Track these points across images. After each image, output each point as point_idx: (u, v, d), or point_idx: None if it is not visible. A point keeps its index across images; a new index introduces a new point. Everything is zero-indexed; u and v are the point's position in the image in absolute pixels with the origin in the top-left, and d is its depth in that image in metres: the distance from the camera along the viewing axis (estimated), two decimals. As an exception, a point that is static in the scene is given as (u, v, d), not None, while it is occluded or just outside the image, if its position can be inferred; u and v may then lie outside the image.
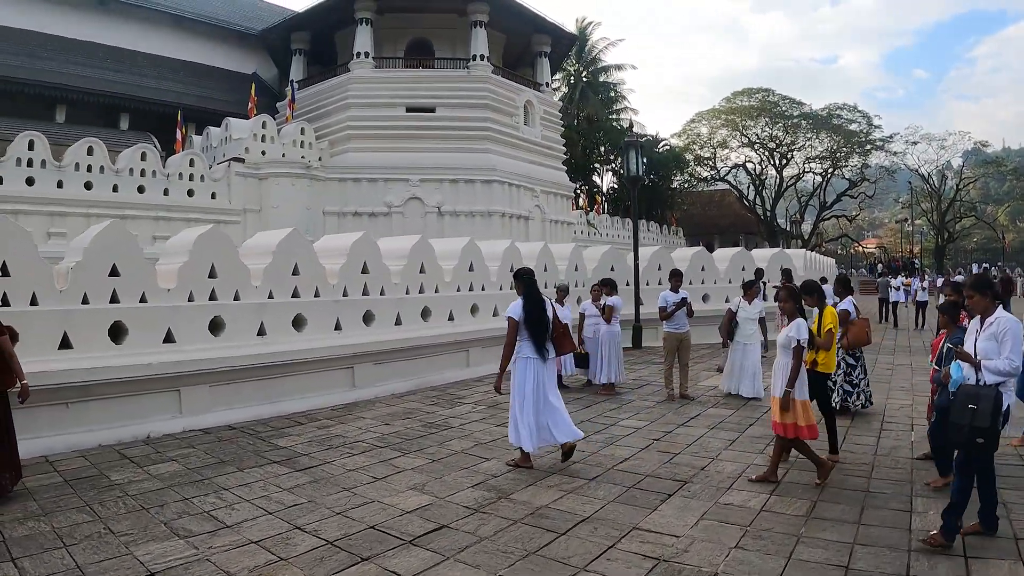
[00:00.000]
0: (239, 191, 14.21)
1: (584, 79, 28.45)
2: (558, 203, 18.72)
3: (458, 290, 7.43)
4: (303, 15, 18.33)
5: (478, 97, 16.49)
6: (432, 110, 16.34)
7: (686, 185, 32.05)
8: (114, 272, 4.65)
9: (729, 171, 33.91)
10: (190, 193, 13.56)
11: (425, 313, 6.99)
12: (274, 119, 15.56)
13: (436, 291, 7.15)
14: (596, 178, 29.48)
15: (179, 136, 14.95)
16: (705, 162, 33.06)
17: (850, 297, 4.95)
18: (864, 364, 4.91)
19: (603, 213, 25.04)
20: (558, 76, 27.80)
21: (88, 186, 12.27)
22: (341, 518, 2.95)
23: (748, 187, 34.16)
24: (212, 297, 5.20)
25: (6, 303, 4.16)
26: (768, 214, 33.31)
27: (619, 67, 29.57)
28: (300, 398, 5.56)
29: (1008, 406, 2.71)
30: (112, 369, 4.43)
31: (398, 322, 6.62)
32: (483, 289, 7.80)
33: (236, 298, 5.35)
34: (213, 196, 13.94)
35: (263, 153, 14.66)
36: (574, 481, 3.44)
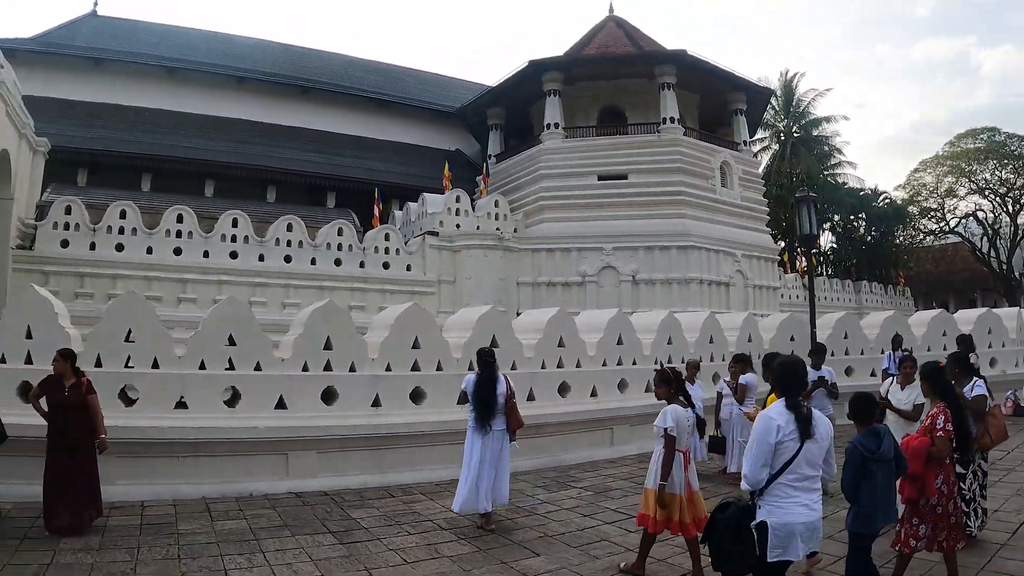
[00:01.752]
0: (434, 263, 19.95)
1: (795, 134, 33.99)
2: (762, 267, 22.92)
3: (604, 364, 9.59)
4: (494, 91, 25.27)
5: (669, 160, 21.64)
6: (624, 177, 21.68)
7: (911, 241, 35.55)
8: (231, 341, 7.24)
9: (959, 222, 36.69)
10: (385, 266, 19.57)
11: (563, 388, 9.05)
12: (474, 193, 21.75)
13: (578, 365, 9.28)
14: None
15: (376, 212, 21.23)
16: (932, 214, 36.31)
17: (979, 380, 5.12)
18: (981, 468, 4.96)
19: (821, 275, 28.91)
20: (764, 134, 33.77)
21: (288, 259, 18.45)
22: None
23: (981, 238, 36.47)
24: (327, 368, 7.57)
25: (128, 365, 6.88)
26: (1005, 267, 35.11)
27: (828, 119, 35.04)
28: (409, 470, 7.67)
29: None
30: (220, 429, 6.85)
31: (530, 397, 8.62)
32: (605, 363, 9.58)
33: (352, 369, 7.75)
34: (408, 268, 19.83)
35: (457, 226, 20.54)
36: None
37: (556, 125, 22.40)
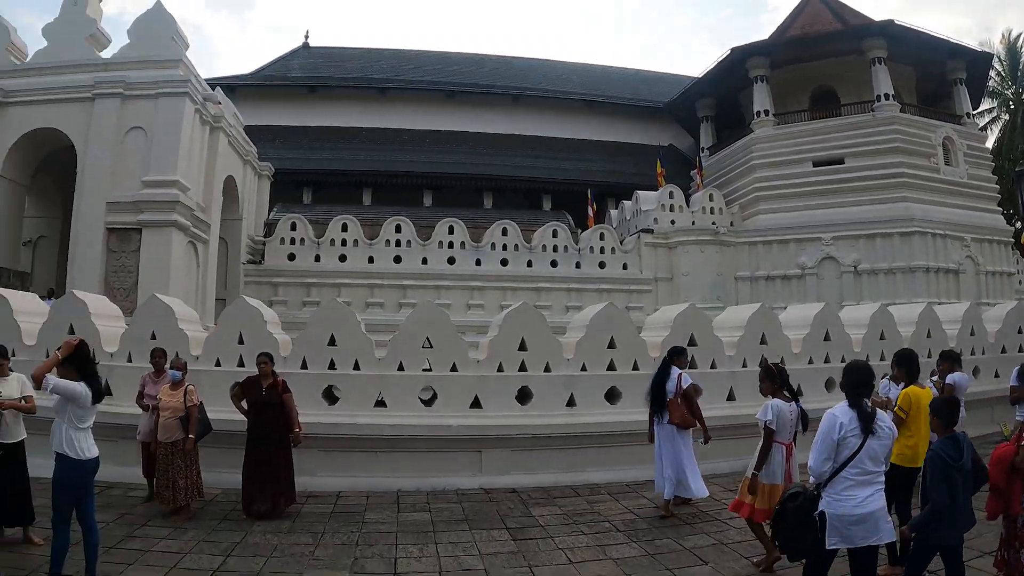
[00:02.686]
0: (649, 260, 24.67)
1: None
2: (995, 251, 25.62)
3: (810, 362, 10.32)
4: (700, 83, 29.70)
5: (886, 141, 24.89)
6: (840, 161, 25.29)
7: None
8: (426, 344, 9.01)
9: None
10: (601, 265, 24.44)
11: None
12: (689, 188, 26.36)
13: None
14: None
15: (590, 212, 25.75)
16: None
17: None
18: None
19: None
20: (991, 104, 35.46)
21: (504, 263, 23.62)
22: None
23: None
24: (522, 368, 9.04)
25: (332, 367, 8.85)
26: None
27: None
28: (601, 470, 8.84)
29: None
30: (415, 427, 8.53)
31: (730, 397, 9.67)
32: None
33: (547, 369, 9.16)
34: (624, 267, 24.46)
35: (672, 222, 25.24)
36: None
37: (765, 112, 26.35)
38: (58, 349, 5.03)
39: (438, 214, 24.79)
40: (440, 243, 22.87)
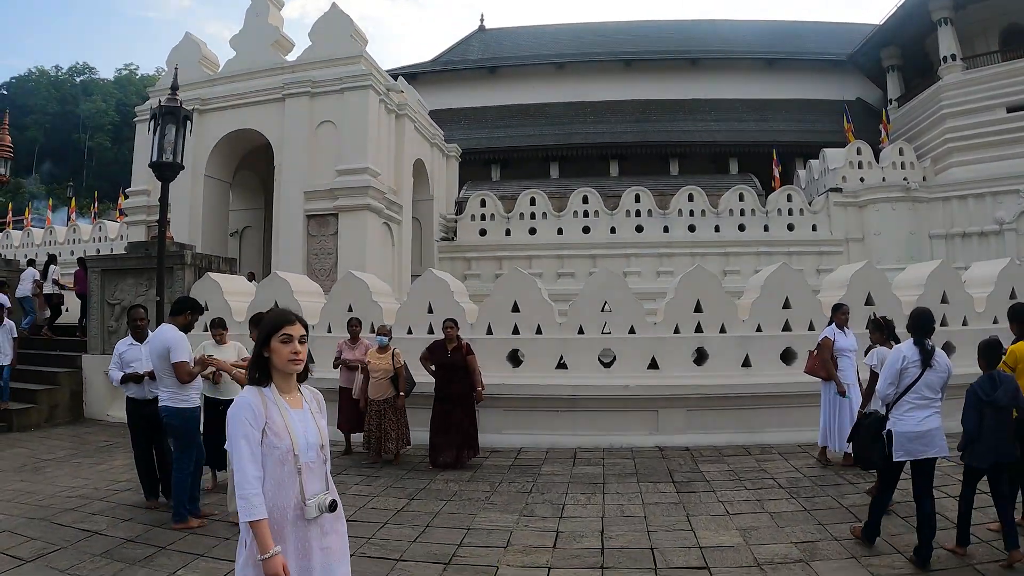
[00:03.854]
0: (839, 221, 26.89)
1: None
2: None
3: (995, 322, 10.94)
4: (883, 30, 31.46)
5: None
6: None
7: None
8: (697, 308, 10.82)
9: None
10: (790, 227, 26.79)
11: (947, 348, 9.98)
12: (878, 143, 28.13)
13: (964, 324, 11.15)
14: None
15: (775, 173, 28.98)
16: None
17: None
18: None
19: None
20: None
21: (692, 229, 26.53)
22: (616, 539, 6.13)
23: None
24: (698, 330, 10.88)
25: (516, 332, 10.83)
26: None
27: None
28: (775, 430, 9.96)
29: None
30: (594, 388, 10.08)
31: None
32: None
33: (722, 330, 10.76)
34: (814, 228, 26.93)
35: (861, 180, 27.13)
36: None
37: (952, 57, 27.99)
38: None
39: (624, 183, 28.34)
40: (627, 212, 26.23)
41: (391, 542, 6.21)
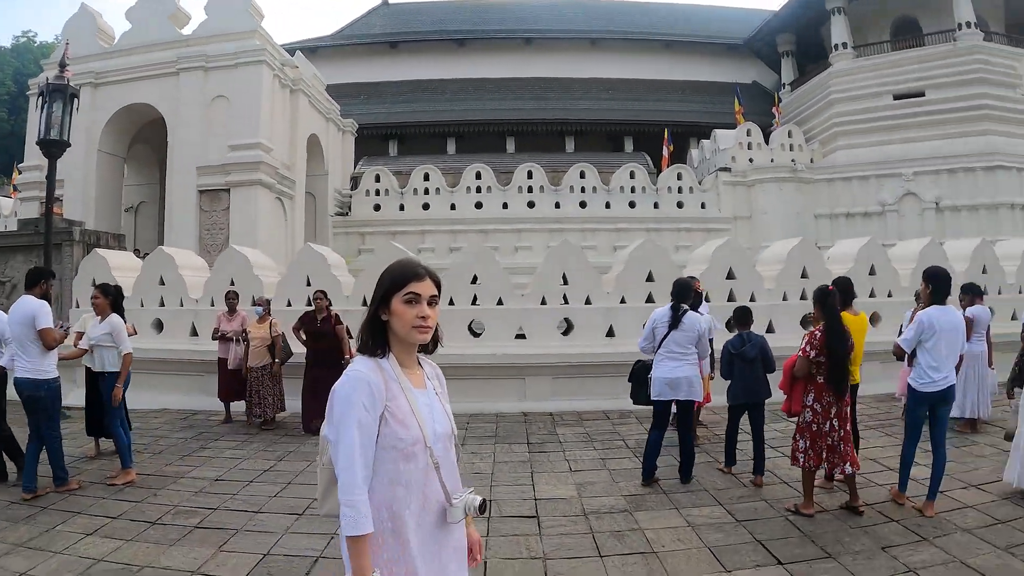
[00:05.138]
0: (728, 199, 27.73)
1: None
2: None
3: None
4: (779, 17, 32.60)
5: (967, 71, 27.10)
6: (921, 94, 27.73)
7: None
8: (565, 281, 11.69)
9: None
10: (679, 205, 27.54)
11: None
12: (770, 125, 28.99)
13: (889, 296, 12.36)
14: None
15: (665, 152, 29.57)
16: None
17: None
18: None
19: None
20: None
21: (583, 205, 27.04)
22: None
23: None
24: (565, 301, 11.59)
25: (475, 302, 11.64)
26: None
27: None
28: None
29: None
30: (465, 356, 10.63)
31: (770, 329, 11.49)
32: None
33: (587, 302, 11.57)
34: (703, 206, 27.76)
35: (750, 160, 28.02)
36: None
37: (844, 45, 29.23)
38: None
39: (520, 160, 28.89)
40: (520, 188, 26.87)
41: (254, 497, 6.72)
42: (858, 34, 30.49)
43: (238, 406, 10.59)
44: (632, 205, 27.48)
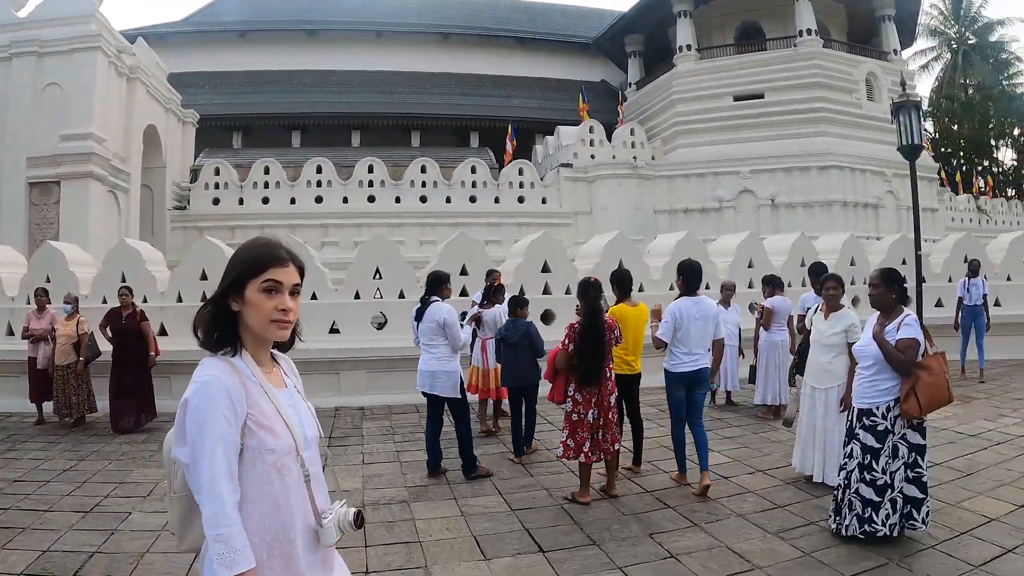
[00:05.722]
0: (569, 195, 27.66)
1: (969, 41, 40.83)
2: (918, 187, 29.69)
3: None
4: (627, 17, 32.97)
5: (807, 76, 27.96)
6: (760, 96, 28.33)
7: None
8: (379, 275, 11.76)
9: None
10: (520, 200, 27.33)
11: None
12: (615, 123, 29.20)
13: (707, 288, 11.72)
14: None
15: (509, 148, 29.14)
16: None
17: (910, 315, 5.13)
18: (906, 441, 5.17)
19: (996, 197, 35.47)
20: (933, 43, 41.58)
21: (423, 199, 26.70)
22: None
23: None
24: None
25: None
26: None
27: (1000, 23, 41.60)
28: None
29: None
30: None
31: None
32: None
33: (401, 296, 11.91)
34: (544, 201, 27.60)
35: (592, 157, 28.00)
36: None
37: (688, 47, 29.76)
38: None
39: (365, 154, 28.40)
40: (360, 182, 26.44)
41: (46, 496, 6.71)
42: (704, 37, 31.13)
43: (51, 407, 10.48)
44: (473, 200, 27.35)
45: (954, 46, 42.70)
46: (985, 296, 12.96)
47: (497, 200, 27.51)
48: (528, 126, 32.52)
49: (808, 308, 8.05)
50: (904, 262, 15.67)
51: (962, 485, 6.57)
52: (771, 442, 8.16)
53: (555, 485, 6.75)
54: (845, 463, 5.30)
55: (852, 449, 5.25)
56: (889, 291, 5.28)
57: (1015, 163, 42.49)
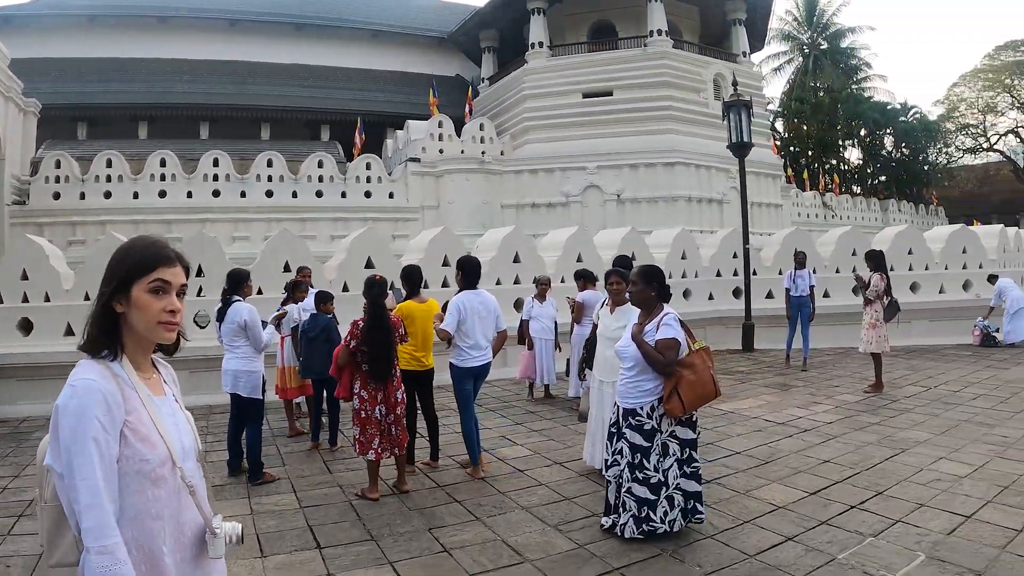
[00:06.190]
0: (416, 189, 27.62)
1: (820, 46, 43.26)
2: (762, 184, 29.59)
3: (562, 281, 13.38)
4: (482, 13, 32.99)
5: (656, 75, 28.45)
6: (609, 93, 28.67)
7: (946, 158, 45.62)
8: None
9: (999, 139, 47.00)
10: (367, 194, 27.14)
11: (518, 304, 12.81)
12: (463, 118, 29.14)
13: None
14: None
15: (358, 142, 28.79)
16: (971, 130, 46.35)
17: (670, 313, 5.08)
18: (676, 438, 5.09)
19: (843, 193, 37.26)
20: (785, 47, 43.74)
21: (269, 194, 26.28)
22: None
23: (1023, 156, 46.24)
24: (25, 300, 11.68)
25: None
26: None
27: (851, 30, 44.36)
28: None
29: None
30: (16, 356, 10.56)
31: None
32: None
33: (47, 299, 11.43)
34: (391, 196, 27.45)
35: (441, 151, 27.96)
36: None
37: (541, 44, 29.94)
38: None
39: (215, 147, 27.90)
40: (205, 176, 25.86)
41: None
42: (558, 35, 31.42)
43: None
44: (319, 195, 27.11)
45: (806, 51, 45.17)
46: (812, 287, 13.35)
47: (344, 195, 27.33)
48: (381, 120, 32.27)
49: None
50: (735, 255, 16.52)
51: (758, 473, 6.75)
52: (579, 434, 8.12)
53: (351, 482, 6.78)
54: (616, 460, 5.23)
55: (621, 447, 5.19)
56: (648, 288, 5.25)
57: (860, 162, 44.60)
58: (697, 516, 5.15)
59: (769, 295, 15.92)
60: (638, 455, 5.06)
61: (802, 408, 9.65)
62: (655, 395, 5.08)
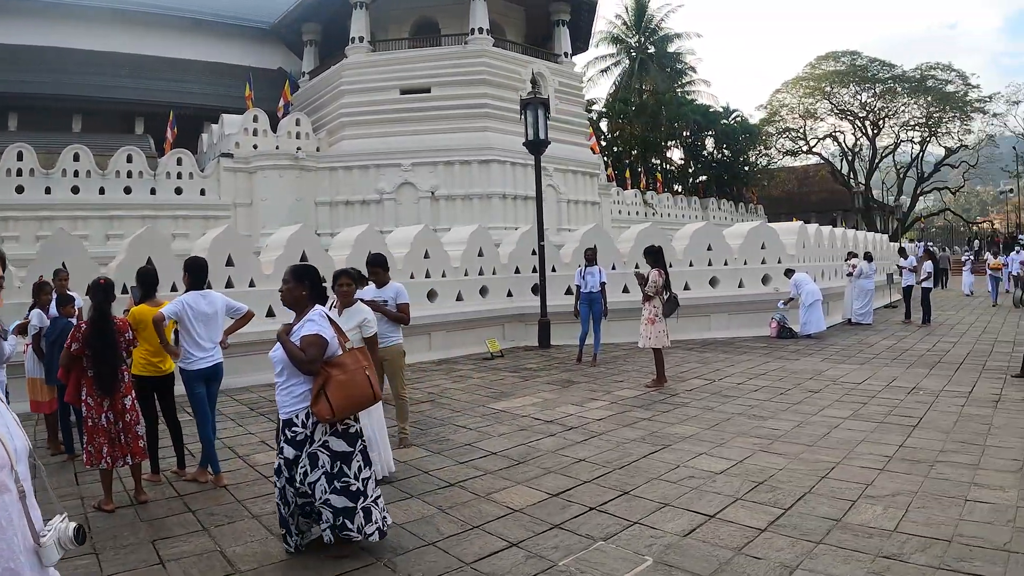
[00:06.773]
0: (229, 186, 27.36)
1: (648, 50, 45.14)
2: (579, 182, 30.47)
3: (412, 277, 14.87)
4: (303, 6, 32.66)
5: (474, 72, 28.86)
6: (427, 90, 28.98)
7: (766, 160, 49.44)
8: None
9: (817, 143, 51.52)
10: (178, 191, 26.73)
11: None
12: (277, 112, 29.05)
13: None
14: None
15: (169, 136, 28.33)
16: (792, 134, 50.37)
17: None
18: (328, 448, 4.89)
19: (664, 192, 38.92)
20: (613, 49, 45.50)
21: (75, 190, 25.47)
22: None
23: (841, 159, 52.54)
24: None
25: None
26: (862, 188, 50.10)
27: (679, 35, 46.71)
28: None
29: None
30: None
31: (270, 313, 12.75)
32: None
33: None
34: (203, 192, 27.13)
35: (255, 147, 27.78)
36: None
37: (361, 39, 29.96)
38: None
39: (22, 139, 26.74)
40: (8, 171, 24.85)
41: None
42: (381, 31, 31.58)
43: None
44: (128, 191, 26.41)
45: (634, 54, 47.15)
46: (603, 284, 13.66)
47: (154, 191, 26.78)
48: (198, 113, 31.74)
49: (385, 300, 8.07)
50: (534, 252, 17.00)
51: (506, 475, 6.70)
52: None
53: (97, 494, 6.42)
54: (275, 480, 5.02)
55: (278, 464, 4.94)
56: (299, 287, 4.98)
57: (683, 162, 46.50)
58: (345, 533, 4.79)
59: (569, 291, 16.22)
60: (289, 469, 4.88)
61: (576, 405, 9.74)
62: (308, 401, 4.82)
